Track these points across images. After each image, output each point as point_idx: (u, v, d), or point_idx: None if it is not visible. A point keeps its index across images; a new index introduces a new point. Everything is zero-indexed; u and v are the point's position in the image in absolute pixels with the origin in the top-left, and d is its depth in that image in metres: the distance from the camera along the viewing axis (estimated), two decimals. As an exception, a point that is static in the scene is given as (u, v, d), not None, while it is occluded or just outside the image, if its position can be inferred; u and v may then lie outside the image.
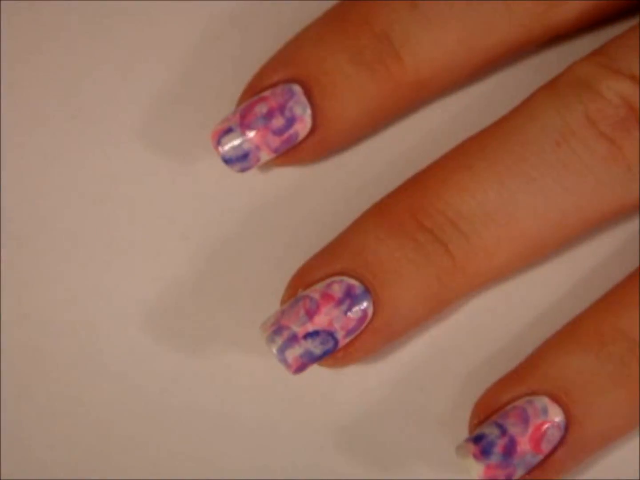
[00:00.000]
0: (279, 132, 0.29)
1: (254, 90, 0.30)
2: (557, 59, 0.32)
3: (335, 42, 0.30)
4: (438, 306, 0.30)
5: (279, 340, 0.28)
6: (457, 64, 0.30)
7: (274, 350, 0.28)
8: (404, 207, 0.29)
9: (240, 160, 0.30)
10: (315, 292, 0.29)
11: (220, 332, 0.31)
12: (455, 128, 0.31)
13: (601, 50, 0.29)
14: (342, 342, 0.29)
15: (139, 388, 0.31)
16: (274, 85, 0.30)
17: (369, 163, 0.32)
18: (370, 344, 0.29)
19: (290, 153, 0.30)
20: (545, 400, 0.28)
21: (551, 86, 0.29)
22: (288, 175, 0.32)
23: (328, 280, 0.29)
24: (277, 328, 0.29)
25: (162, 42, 0.32)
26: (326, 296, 0.29)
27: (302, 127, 0.30)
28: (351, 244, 0.29)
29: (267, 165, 0.31)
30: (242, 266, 0.31)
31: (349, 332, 0.29)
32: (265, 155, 0.30)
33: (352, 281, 0.29)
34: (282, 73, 0.30)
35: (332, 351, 0.29)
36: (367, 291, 0.29)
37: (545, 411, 0.28)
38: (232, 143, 0.30)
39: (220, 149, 0.30)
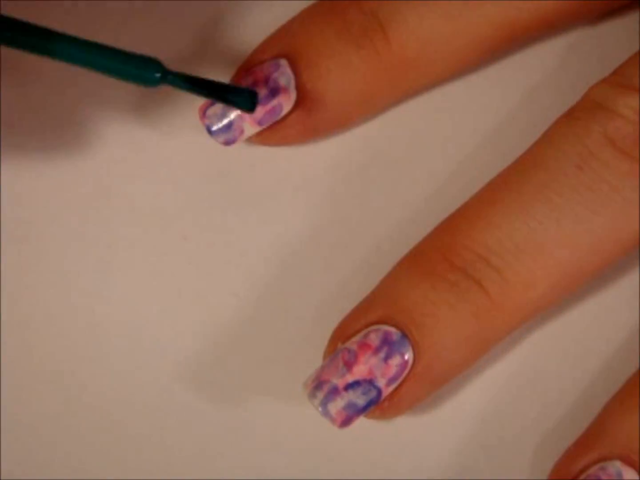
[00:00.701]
0: (262, 102, 0.30)
1: (245, 68, 0.30)
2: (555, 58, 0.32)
3: (323, 19, 0.30)
4: (481, 346, 0.29)
5: (320, 395, 0.28)
6: (444, 43, 0.30)
7: (316, 405, 0.28)
8: (434, 250, 0.29)
9: (224, 130, 0.30)
10: (353, 343, 0.28)
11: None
12: (444, 117, 0.32)
13: (615, 71, 0.29)
14: (386, 391, 0.28)
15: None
16: (262, 62, 0.30)
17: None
18: (415, 391, 0.29)
19: (275, 128, 0.30)
20: (617, 465, 0.27)
21: (568, 113, 0.29)
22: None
23: (365, 331, 0.29)
24: (317, 383, 0.28)
25: (162, 41, 0.32)
26: (363, 345, 0.28)
27: (286, 99, 0.30)
28: (386, 293, 0.29)
29: (254, 141, 0.31)
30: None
31: (391, 380, 0.28)
32: (249, 127, 0.30)
33: (389, 328, 0.28)
34: (272, 50, 0.30)
35: (377, 401, 0.28)
36: (405, 336, 0.28)
37: (619, 475, 0.27)
38: (217, 114, 0.30)
39: (205, 119, 0.30)
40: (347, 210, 0.32)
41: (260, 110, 0.30)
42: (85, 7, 0.32)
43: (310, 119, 0.31)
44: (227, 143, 0.30)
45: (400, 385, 0.28)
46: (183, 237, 0.31)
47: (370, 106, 0.31)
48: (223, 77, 0.31)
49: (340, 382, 0.28)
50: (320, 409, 0.28)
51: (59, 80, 0.32)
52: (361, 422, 0.28)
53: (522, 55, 0.32)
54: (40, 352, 0.31)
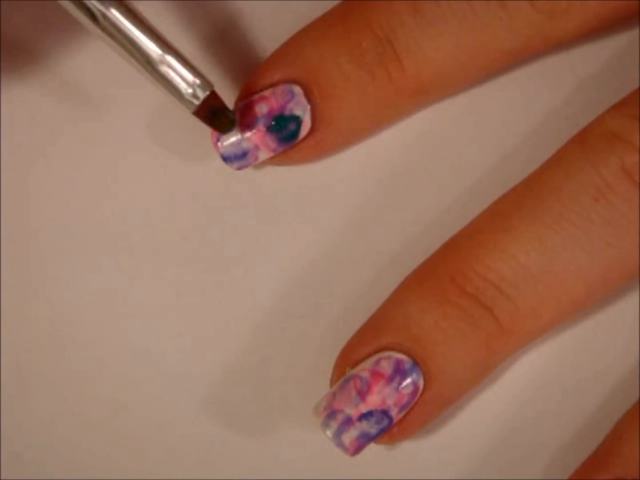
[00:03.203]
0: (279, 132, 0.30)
1: (254, 87, 0.30)
2: (557, 64, 0.32)
3: (337, 44, 0.30)
4: (487, 370, 0.29)
5: (334, 425, 0.28)
6: (457, 70, 0.30)
7: (330, 435, 0.28)
8: (444, 273, 0.29)
9: (239, 158, 0.30)
10: (364, 371, 0.28)
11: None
12: (454, 129, 0.32)
13: (629, 101, 0.29)
14: (396, 418, 0.28)
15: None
16: (274, 84, 0.30)
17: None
18: (424, 417, 0.29)
19: (289, 153, 0.30)
20: None
21: (583, 140, 0.29)
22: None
23: (375, 357, 0.28)
24: (330, 412, 0.28)
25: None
26: (376, 374, 0.28)
27: (302, 127, 0.30)
28: (394, 317, 0.29)
29: (264, 164, 0.31)
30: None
31: (402, 408, 0.28)
32: (263, 154, 0.30)
33: (400, 356, 0.28)
34: (283, 72, 0.30)
35: (387, 428, 0.28)
36: (416, 364, 0.28)
37: None
38: (231, 141, 0.30)
39: (219, 147, 0.30)
40: (354, 222, 0.32)
41: (276, 139, 0.30)
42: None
43: (323, 144, 0.30)
44: (240, 168, 0.30)
45: (409, 411, 0.29)
46: (184, 238, 0.31)
47: (379, 126, 0.32)
48: (224, 77, 0.31)
49: (354, 413, 0.28)
50: (334, 439, 0.28)
51: (58, 81, 0.31)
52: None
53: (537, 71, 0.32)
54: (39, 352, 0.31)
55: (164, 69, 0.27)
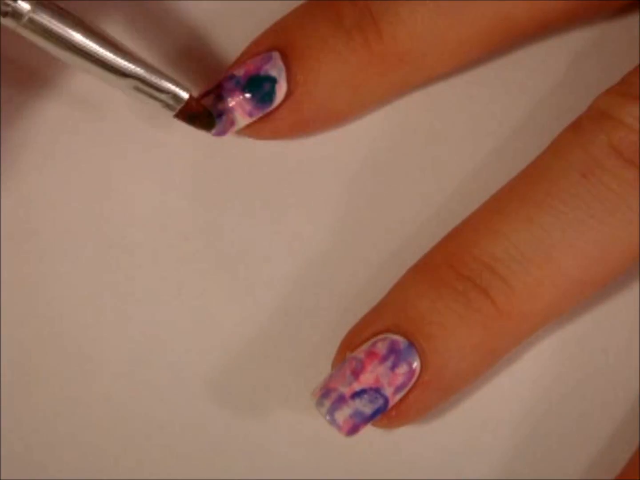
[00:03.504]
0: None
1: (239, 61, 0.31)
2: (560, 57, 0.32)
3: (317, 13, 0.30)
4: (490, 356, 0.29)
5: (327, 403, 0.28)
6: (436, 37, 0.30)
7: (323, 413, 0.28)
8: (441, 259, 0.29)
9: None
10: (360, 352, 0.29)
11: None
12: (451, 123, 0.32)
13: (620, 81, 0.29)
14: (393, 399, 0.28)
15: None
16: (255, 55, 0.30)
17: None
18: (423, 400, 0.29)
19: (266, 120, 0.30)
20: None
21: (574, 124, 0.29)
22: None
23: (372, 340, 0.29)
24: (325, 391, 0.28)
25: (162, 43, 0.32)
26: (371, 354, 0.28)
27: (277, 89, 0.30)
28: (393, 302, 0.29)
29: (246, 134, 0.31)
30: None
31: (398, 389, 0.28)
32: (239, 118, 0.30)
33: (396, 337, 0.28)
34: (265, 44, 0.30)
35: (384, 410, 0.28)
36: (412, 345, 0.28)
37: None
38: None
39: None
40: (354, 215, 0.32)
41: (251, 100, 0.30)
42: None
43: (300, 111, 0.31)
44: (219, 134, 0.31)
45: (407, 393, 0.28)
46: (185, 238, 0.31)
47: (361, 100, 0.31)
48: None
49: (347, 391, 0.28)
50: (327, 417, 0.28)
51: (58, 81, 0.32)
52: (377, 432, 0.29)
53: (531, 60, 0.32)
54: (39, 352, 0.31)
55: (138, 85, 0.29)
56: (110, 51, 0.29)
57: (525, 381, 0.31)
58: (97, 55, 0.28)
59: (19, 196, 0.31)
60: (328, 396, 0.28)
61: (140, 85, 0.29)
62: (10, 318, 0.31)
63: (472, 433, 0.30)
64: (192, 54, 0.32)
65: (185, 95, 0.29)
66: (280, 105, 0.30)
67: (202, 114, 0.30)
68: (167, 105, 0.29)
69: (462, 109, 0.32)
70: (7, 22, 0.28)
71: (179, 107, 0.29)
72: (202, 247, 0.31)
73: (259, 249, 0.32)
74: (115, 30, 0.31)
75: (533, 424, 0.30)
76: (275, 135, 0.31)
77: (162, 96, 0.29)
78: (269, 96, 0.30)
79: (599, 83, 0.30)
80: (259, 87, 0.30)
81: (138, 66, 0.29)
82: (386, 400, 0.28)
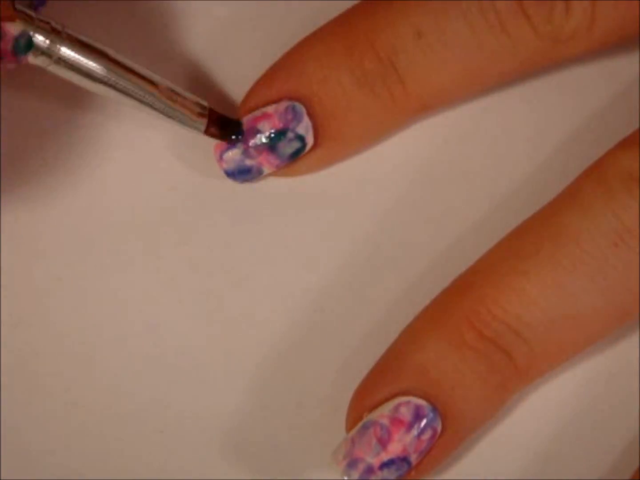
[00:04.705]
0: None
1: (256, 101, 0.30)
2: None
3: (340, 63, 0.30)
4: (499, 407, 0.29)
5: (355, 474, 0.28)
6: (459, 89, 0.31)
7: (351, 483, 0.28)
8: (460, 315, 0.29)
9: (242, 174, 0.30)
10: (383, 417, 0.28)
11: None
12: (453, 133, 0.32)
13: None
14: (414, 462, 0.28)
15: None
16: (275, 99, 0.30)
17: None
18: (440, 458, 0.29)
19: (292, 166, 0.31)
20: None
21: (600, 181, 0.29)
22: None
23: (394, 402, 0.28)
24: (351, 460, 0.28)
25: (163, 44, 0.32)
26: (396, 421, 0.28)
27: (305, 145, 0.30)
28: (412, 361, 0.29)
29: (266, 175, 0.31)
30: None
31: (421, 453, 0.28)
32: (267, 170, 0.30)
33: (420, 401, 0.28)
34: (285, 87, 0.30)
35: (406, 472, 0.28)
36: (435, 409, 0.28)
37: None
38: (235, 159, 0.30)
39: (223, 164, 0.30)
40: (367, 233, 0.32)
41: (279, 156, 0.30)
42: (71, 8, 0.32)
43: (325, 160, 0.31)
44: (244, 182, 0.31)
45: (427, 454, 0.29)
46: (184, 243, 0.31)
47: (381, 138, 0.32)
48: (225, 80, 0.32)
49: (375, 462, 0.28)
50: (355, 487, 0.28)
51: (59, 81, 0.30)
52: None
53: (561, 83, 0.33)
54: (39, 353, 0.31)
55: (165, 108, 0.29)
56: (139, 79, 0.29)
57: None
58: (125, 86, 0.28)
59: (19, 196, 0.31)
60: (355, 467, 0.28)
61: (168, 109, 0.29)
62: (11, 318, 0.31)
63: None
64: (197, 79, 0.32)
65: (205, 103, 0.29)
66: (306, 155, 0.30)
67: (229, 119, 0.30)
68: (194, 122, 0.29)
69: (477, 140, 0.32)
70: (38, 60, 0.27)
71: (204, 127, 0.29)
72: (203, 252, 0.31)
73: (264, 270, 0.31)
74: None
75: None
76: (298, 175, 0.32)
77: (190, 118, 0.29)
78: (297, 153, 0.30)
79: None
80: (288, 146, 0.30)
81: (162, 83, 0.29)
82: (410, 465, 0.28)
